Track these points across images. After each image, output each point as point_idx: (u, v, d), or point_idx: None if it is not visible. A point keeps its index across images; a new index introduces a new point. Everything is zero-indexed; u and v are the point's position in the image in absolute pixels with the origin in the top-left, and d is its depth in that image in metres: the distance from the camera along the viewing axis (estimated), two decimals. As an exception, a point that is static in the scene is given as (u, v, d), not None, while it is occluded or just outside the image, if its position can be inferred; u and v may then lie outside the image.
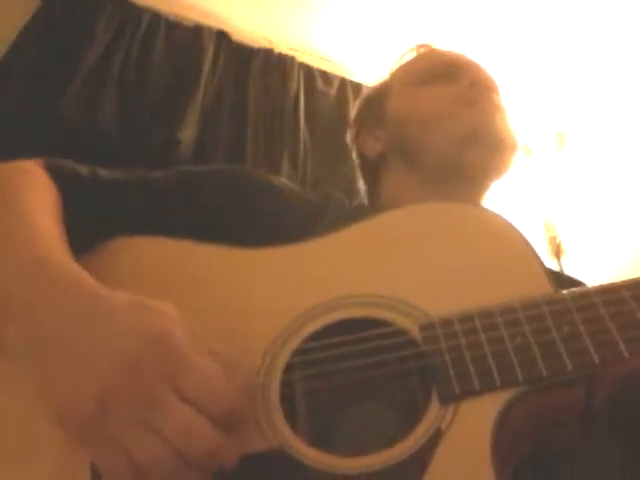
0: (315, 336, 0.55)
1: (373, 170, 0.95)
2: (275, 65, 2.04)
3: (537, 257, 0.57)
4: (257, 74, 2.00)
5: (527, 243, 0.58)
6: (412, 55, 0.99)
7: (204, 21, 1.98)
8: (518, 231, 0.59)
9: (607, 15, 2.04)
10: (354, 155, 1.02)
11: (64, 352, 0.48)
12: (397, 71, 0.98)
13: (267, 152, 1.89)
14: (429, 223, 0.63)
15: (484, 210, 0.65)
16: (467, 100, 0.84)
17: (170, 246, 0.64)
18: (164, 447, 0.44)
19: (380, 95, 0.97)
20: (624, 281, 0.53)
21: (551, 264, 2.20)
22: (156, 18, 1.90)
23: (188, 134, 1.77)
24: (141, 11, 1.88)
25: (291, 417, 0.51)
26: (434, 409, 0.49)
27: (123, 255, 0.64)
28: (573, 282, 0.78)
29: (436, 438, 0.47)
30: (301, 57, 2.10)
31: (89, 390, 0.45)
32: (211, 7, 2.01)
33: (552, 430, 0.53)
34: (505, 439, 0.48)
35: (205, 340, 0.49)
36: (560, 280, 0.58)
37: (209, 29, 1.98)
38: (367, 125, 0.98)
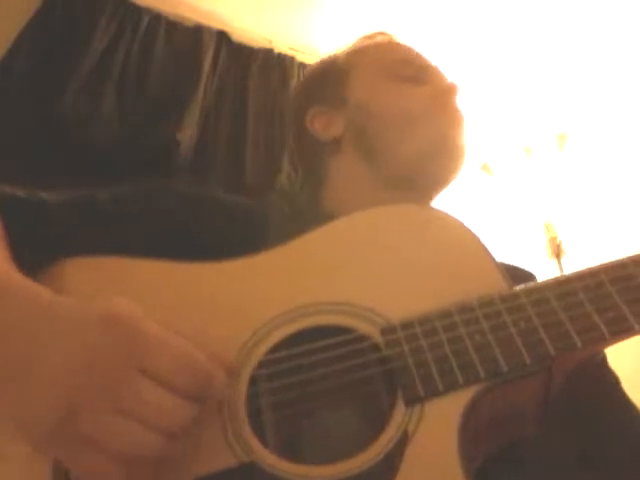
0: (277, 347, 0.54)
1: (318, 154, 0.88)
2: (275, 65, 2.04)
3: (489, 254, 0.58)
4: (257, 74, 2.00)
5: (478, 241, 0.59)
6: (369, 41, 0.93)
7: (204, 21, 1.98)
8: (469, 229, 0.60)
9: (607, 15, 2.04)
10: (291, 133, 0.94)
11: (17, 364, 0.45)
12: (360, 54, 0.91)
13: (267, 152, 1.89)
14: (381, 227, 0.63)
15: (434, 211, 0.66)
16: (440, 106, 0.81)
17: (126, 264, 0.61)
18: (142, 429, 0.43)
19: (339, 74, 0.90)
20: (576, 272, 0.55)
21: (551, 264, 2.20)
22: (156, 18, 1.90)
23: (188, 134, 1.77)
24: (141, 11, 1.88)
25: (259, 430, 0.50)
26: (400, 412, 0.50)
27: (75, 276, 0.60)
28: (525, 275, 0.79)
29: (404, 441, 0.48)
30: (301, 57, 2.10)
31: (53, 395, 0.43)
32: (211, 7, 2.01)
33: (516, 422, 0.55)
34: (471, 436, 0.49)
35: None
36: (515, 274, 0.59)
37: (209, 29, 1.98)
38: (320, 103, 0.89)
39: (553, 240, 2.27)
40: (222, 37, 1.99)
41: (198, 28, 1.96)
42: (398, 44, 0.92)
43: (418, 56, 0.89)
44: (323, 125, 0.88)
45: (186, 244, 0.65)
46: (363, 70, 0.88)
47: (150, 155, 1.68)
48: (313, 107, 0.89)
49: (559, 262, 2.23)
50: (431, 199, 0.83)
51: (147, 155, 1.67)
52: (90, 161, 1.59)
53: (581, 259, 2.19)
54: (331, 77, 0.91)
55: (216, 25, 2.00)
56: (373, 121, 0.83)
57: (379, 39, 0.93)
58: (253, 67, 2.01)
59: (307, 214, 0.82)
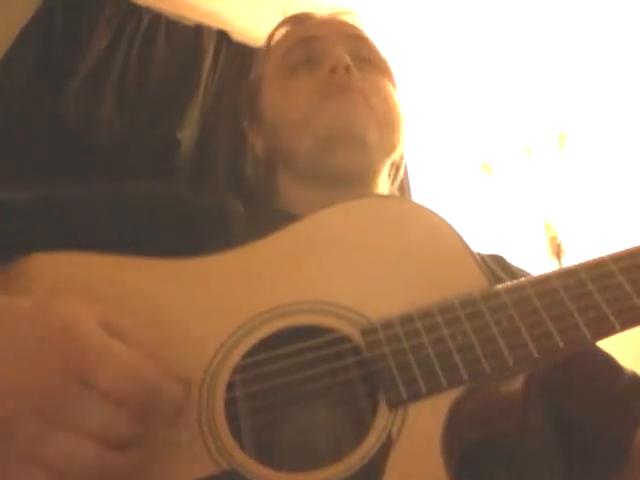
0: (256, 349, 0.53)
1: (267, 165, 0.89)
2: (275, 65, 2.04)
3: (470, 250, 0.57)
4: (257, 74, 2.00)
5: (459, 237, 0.58)
6: (275, 38, 0.92)
7: (204, 21, 1.98)
8: (451, 226, 0.59)
9: (608, 15, 2.04)
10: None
11: None
12: (265, 60, 0.90)
13: (267, 152, 1.89)
14: (356, 222, 0.61)
15: (409, 203, 0.64)
16: (323, 94, 0.78)
17: (98, 262, 0.58)
18: (85, 442, 0.40)
19: (255, 87, 0.89)
20: (554, 271, 0.55)
21: (551, 264, 2.20)
22: (156, 18, 1.90)
23: (188, 134, 1.77)
24: (141, 11, 1.88)
25: (239, 436, 0.49)
26: (383, 416, 0.49)
27: (46, 272, 0.57)
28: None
29: (388, 445, 0.47)
30: (301, 57, 2.10)
31: None
32: (211, 7, 2.01)
33: (498, 417, 0.54)
34: (454, 436, 0.48)
35: (125, 328, 0.45)
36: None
37: (209, 29, 1.97)
38: (249, 121, 0.90)
39: (553, 240, 2.26)
40: (222, 37, 1.99)
41: (198, 28, 1.95)
42: (294, 30, 0.90)
43: (313, 33, 0.86)
44: (255, 141, 0.89)
45: (146, 243, 0.62)
46: (268, 74, 0.87)
47: (150, 154, 1.68)
48: (248, 123, 0.91)
49: (559, 262, 2.23)
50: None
51: (148, 154, 1.67)
52: (91, 161, 1.59)
53: (581, 259, 2.19)
54: (248, 92, 0.91)
55: (216, 25, 2.00)
56: (278, 131, 0.81)
57: (281, 31, 0.93)
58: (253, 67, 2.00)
59: (263, 213, 0.78)
